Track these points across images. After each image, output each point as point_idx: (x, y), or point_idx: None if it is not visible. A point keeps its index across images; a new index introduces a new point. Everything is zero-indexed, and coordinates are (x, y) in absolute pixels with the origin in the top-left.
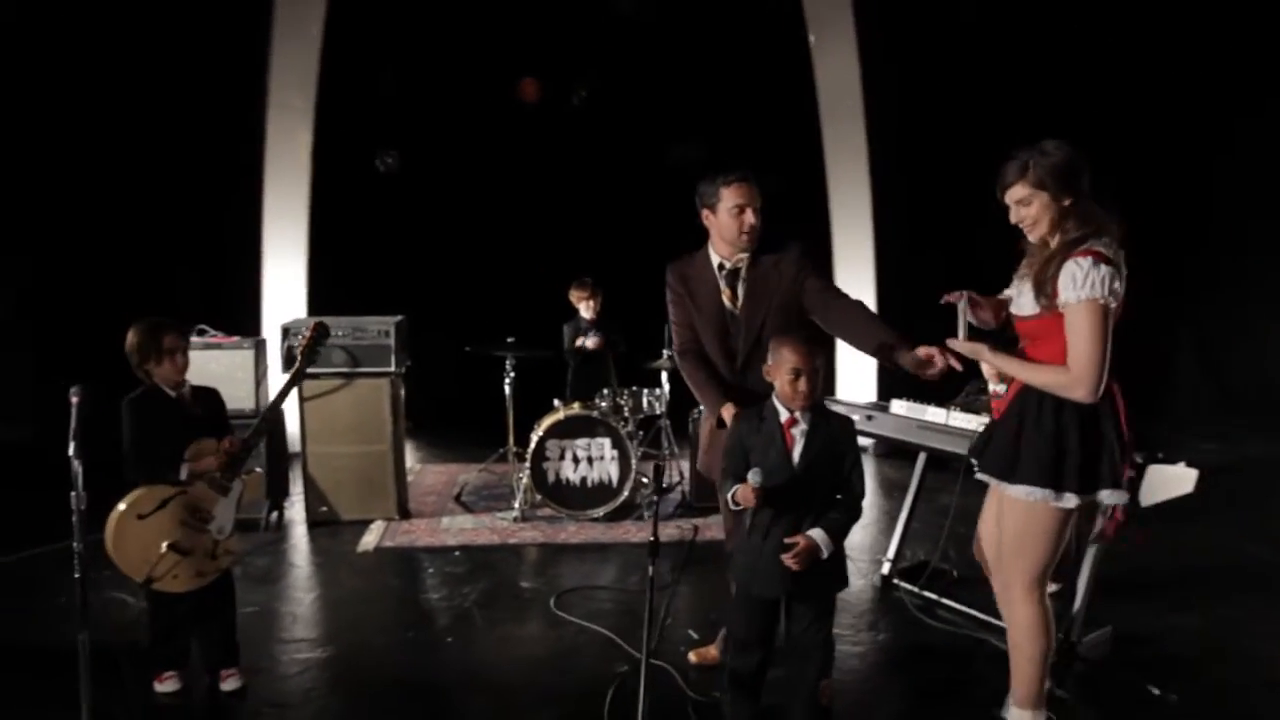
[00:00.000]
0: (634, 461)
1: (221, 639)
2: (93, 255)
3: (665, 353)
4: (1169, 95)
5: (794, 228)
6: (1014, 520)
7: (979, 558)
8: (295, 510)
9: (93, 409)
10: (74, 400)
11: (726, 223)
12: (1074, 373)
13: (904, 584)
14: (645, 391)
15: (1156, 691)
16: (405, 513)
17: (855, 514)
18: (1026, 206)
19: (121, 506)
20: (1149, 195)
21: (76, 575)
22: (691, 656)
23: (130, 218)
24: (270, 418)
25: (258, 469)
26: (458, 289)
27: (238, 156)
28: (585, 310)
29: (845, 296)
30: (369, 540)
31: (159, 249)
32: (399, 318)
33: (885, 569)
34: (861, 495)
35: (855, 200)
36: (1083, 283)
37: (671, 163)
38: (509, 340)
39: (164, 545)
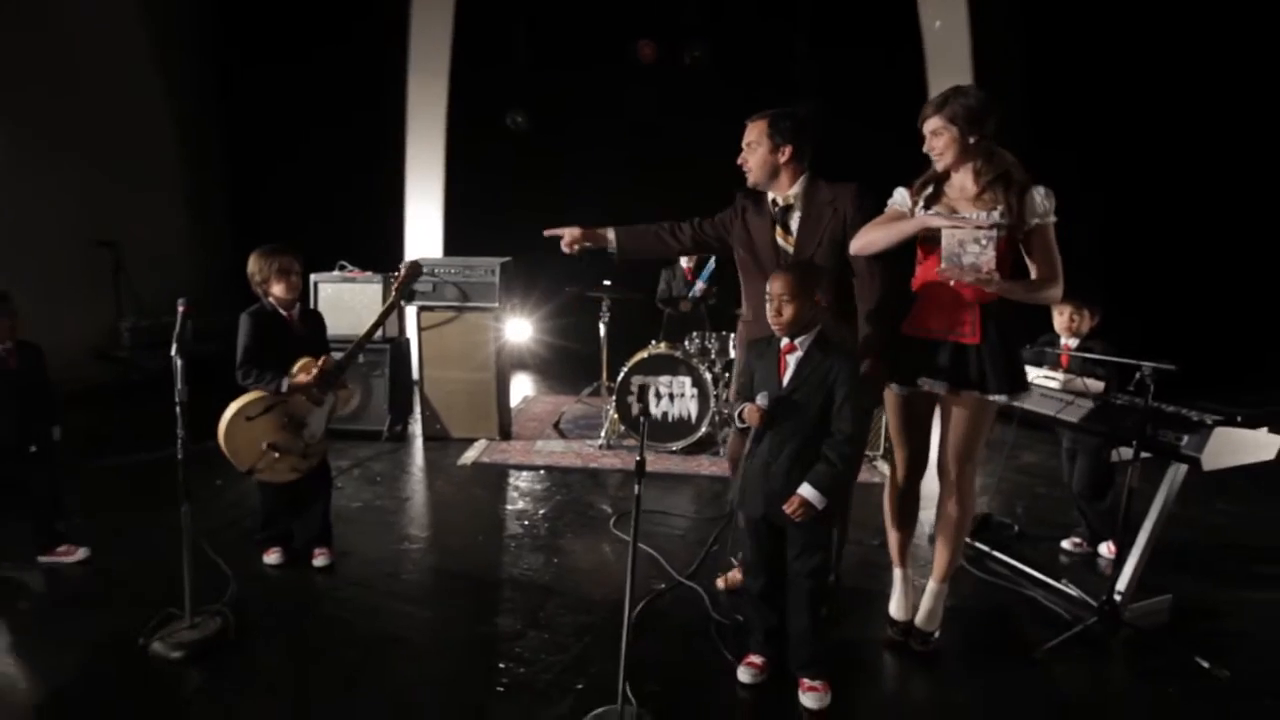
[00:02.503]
0: (713, 400)
1: (315, 522)
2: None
3: None
4: None
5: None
6: (981, 420)
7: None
8: (416, 426)
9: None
10: (180, 310)
11: None
12: (1058, 278)
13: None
14: (733, 336)
15: (1206, 665)
16: (506, 434)
17: (845, 456)
18: (938, 137)
19: (233, 408)
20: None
21: (179, 457)
22: (719, 582)
23: (299, 171)
24: (362, 344)
25: (350, 385)
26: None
27: (384, 116)
28: (685, 259)
29: (875, 276)
30: (469, 456)
31: (320, 196)
32: (506, 259)
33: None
34: (850, 434)
35: None
36: (1050, 207)
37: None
38: (605, 283)
39: (264, 444)
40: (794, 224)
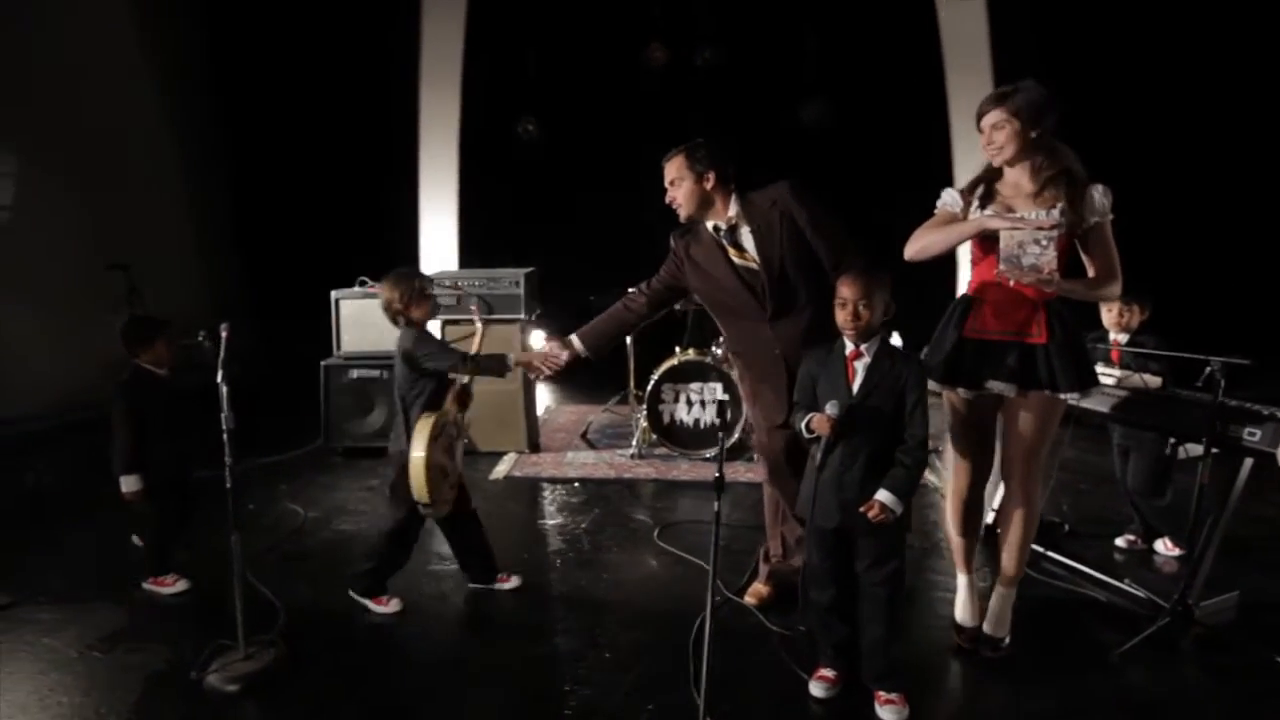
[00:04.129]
0: (744, 405)
1: (487, 552)
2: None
3: None
4: None
5: (916, 188)
6: (1050, 419)
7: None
8: None
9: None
10: (223, 335)
11: None
12: (1117, 276)
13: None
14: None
15: None
16: (535, 446)
17: (919, 461)
18: (999, 131)
19: (423, 434)
20: None
21: (228, 485)
22: (748, 599)
23: (310, 188)
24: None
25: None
26: (588, 242)
27: (396, 127)
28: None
29: (836, 270)
30: (501, 470)
31: (334, 211)
32: (529, 269)
33: (990, 518)
34: (923, 438)
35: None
36: (1108, 205)
37: (793, 121)
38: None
39: (441, 470)
40: (746, 241)
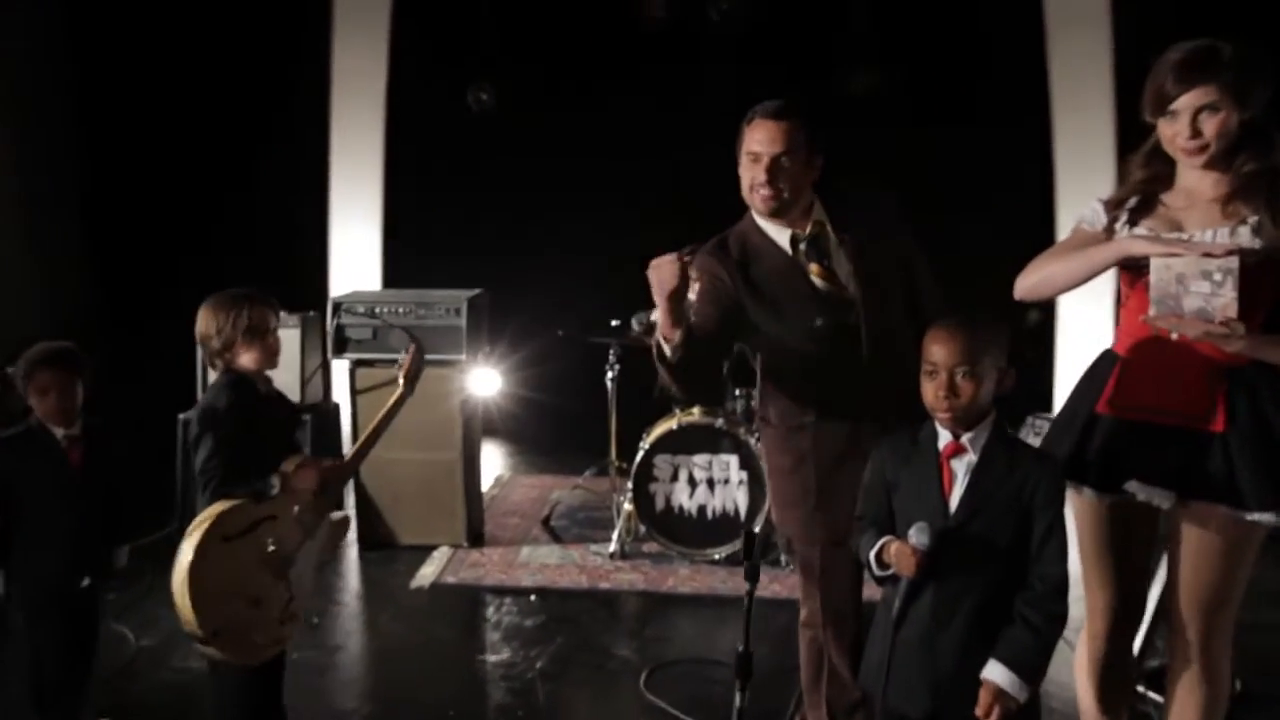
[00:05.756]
0: (780, 497)
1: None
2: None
3: None
4: None
5: (1007, 188)
6: (1238, 549)
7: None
8: (349, 529)
9: None
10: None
11: (743, 177)
12: None
13: (1151, 694)
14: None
15: None
16: (477, 538)
17: (1057, 621)
18: (1212, 116)
19: (205, 521)
20: None
21: None
22: None
23: (178, 188)
24: (370, 443)
25: (346, 513)
26: (561, 259)
27: (294, 89)
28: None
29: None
30: (426, 573)
31: (205, 217)
32: (475, 292)
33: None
34: (1059, 581)
35: (1095, 143)
36: None
37: (839, 94)
38: (614, 324)
39: (240, 587)
40: (839, 260)
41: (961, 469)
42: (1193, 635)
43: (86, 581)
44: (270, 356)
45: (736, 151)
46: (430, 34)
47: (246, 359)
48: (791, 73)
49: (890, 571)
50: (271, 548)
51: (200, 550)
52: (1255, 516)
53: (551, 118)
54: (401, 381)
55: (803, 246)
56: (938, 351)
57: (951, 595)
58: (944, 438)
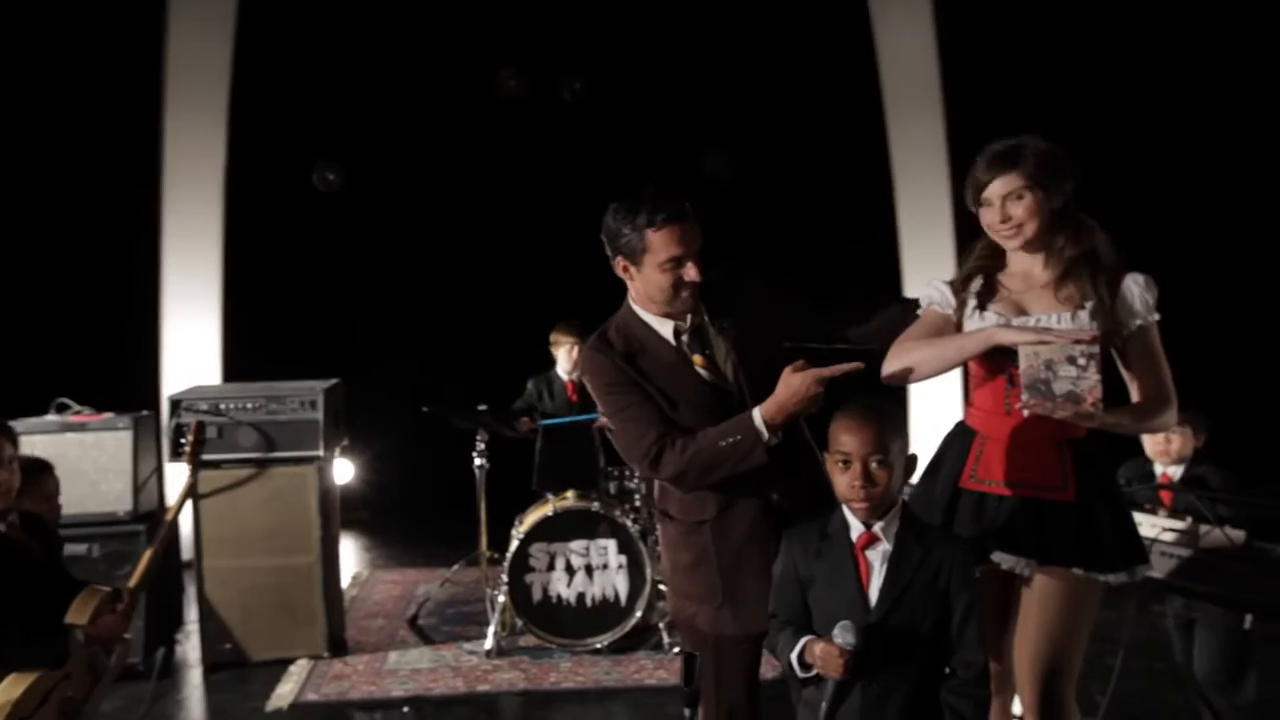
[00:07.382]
0: (649, 570)
1: None
2: None
3: None
4: None
5: (856, 241)
6: (1082, 608)
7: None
8: (190, 646)
9: None
10: None
11: (656, 281)
12: (1172, 398)
13: None
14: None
15: None
16: (339, 647)
17: (983, 707)
18: (1017, 203)
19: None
20: None
21: None
22: None
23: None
24: (158, 559)
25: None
26: (417, 342)
27: (125, 167)
28: (565, 360)
29: None
30: (284, 692)
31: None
32: (331, 382)
33: None
34: (982, 666)
35: (932, 204)
36: (1153, 301)
37: (693, 172)
38: (480, 408)
39: None
40: (719, 348)
41: (877, 559)
42: (1034, 694)
43: None
44: (6, 493)
45: (628, 251)
46: (271, 113)
47: None
48: (645, 145)
49: (814, 673)
50: (62, 707)
51: None
52: (1108, 578)
53: (402, 192)
54: (189, 465)
55: (684, 338)
56: (849, 441)
57: (880, 692)
58: (856, 528)
